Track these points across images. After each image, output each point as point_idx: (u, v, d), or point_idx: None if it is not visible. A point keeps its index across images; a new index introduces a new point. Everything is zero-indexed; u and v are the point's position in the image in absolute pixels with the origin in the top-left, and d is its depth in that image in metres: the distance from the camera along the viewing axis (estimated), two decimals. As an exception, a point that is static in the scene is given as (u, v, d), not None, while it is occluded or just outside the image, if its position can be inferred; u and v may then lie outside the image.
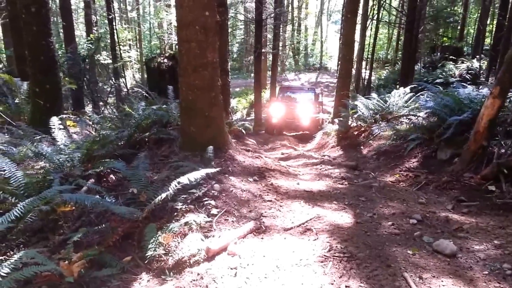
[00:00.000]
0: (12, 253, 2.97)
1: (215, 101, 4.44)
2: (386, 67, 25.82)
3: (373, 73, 22.58)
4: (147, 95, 7.45)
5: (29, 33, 5.71)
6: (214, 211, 3.41)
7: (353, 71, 17.66)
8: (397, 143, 6.09)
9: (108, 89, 13.64)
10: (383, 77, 21.56)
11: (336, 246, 2.83)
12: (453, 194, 4.02)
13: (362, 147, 7.14)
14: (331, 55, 37.38)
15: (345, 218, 3.39)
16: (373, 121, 7.80)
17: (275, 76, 17.47)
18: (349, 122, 8.50)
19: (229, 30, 34.39)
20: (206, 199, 3.52)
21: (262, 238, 3.08)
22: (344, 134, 8.50)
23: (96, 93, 11.87)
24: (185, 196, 3.48)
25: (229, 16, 29.32)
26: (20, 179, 3.42)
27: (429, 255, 2.70)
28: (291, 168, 5.08)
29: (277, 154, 7.82)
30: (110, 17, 14.98)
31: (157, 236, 2.81)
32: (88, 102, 12.40)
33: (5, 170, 3.47)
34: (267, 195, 3.80)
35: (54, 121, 4.29)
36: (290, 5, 35.73)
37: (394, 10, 22.77)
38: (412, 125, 5.92)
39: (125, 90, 13.57)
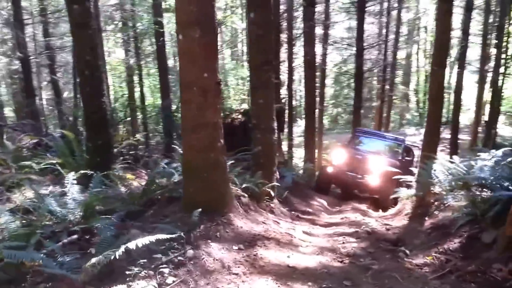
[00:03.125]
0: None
1: (215, 163, 4.57)
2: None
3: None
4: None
5: (83, 94, 6.64)
6: (170, 279, 3.45)
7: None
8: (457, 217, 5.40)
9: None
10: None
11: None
12: (468, 289, 3.43)
13: (427, 218, 6.48)
14: (469, 108, 34.71)
15: (305, 304, 3.14)
16: (449, 188, 7.03)
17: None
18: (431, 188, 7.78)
19: (346, 83, 34.55)
20: (168, 265, 3.58)
21: (199, 317, 3.02)
22: (421, 201, 7.79)
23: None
24: (144, 261, 3.58)
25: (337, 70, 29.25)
26: (11, 230, 3.91)
27: None
28: (298, 238, 4.84)
29: (335, 219, 7.49)
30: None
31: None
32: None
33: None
34: (238, 267, 3.71)
35: (69, 176, 4.83)
36: (416, 54, 34.77)
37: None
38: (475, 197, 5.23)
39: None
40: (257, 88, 7.02)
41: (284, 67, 20.71)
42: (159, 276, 3.47)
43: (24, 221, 4.29)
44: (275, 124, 7.11)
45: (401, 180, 9.76)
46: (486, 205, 4.46)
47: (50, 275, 3.57)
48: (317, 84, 26.44)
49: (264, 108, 6.97)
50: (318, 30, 22.78)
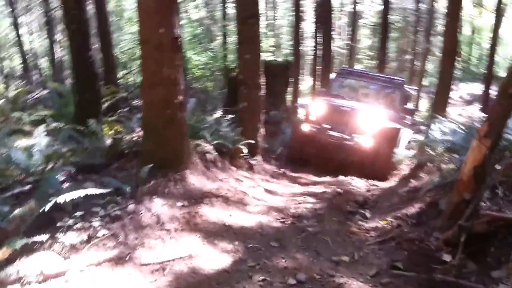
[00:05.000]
0: None
1: (171, 119, 4.57)
2: None
3: None
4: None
5: (71, 48, 6.73)
6: (101, 232, 3.56)
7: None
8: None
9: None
10: None
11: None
12: (397, 257, 3.36)
13: (413, 180, 6.29)
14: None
15: (219, 263, 3.21)
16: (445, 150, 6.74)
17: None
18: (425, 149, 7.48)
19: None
20: (103, 219, 3.69)
21: (113, 270, 3.12)
22: (420, 163, 7.53)
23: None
24: (82, 213, 3.70)
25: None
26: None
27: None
28: (252, 197, 4.81)
29: (325, 178, 7.31)
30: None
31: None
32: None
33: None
34: (172, 223, 3.78)
35: (39, 129, 4.99)
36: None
37: None
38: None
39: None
40: (243, 43, 6.89)
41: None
42: (92, 229, 3.59)
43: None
44: (262, 80, 6.97)
45: (403, 138, 8.36)
46: (450, 170, 4.25)
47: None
48: (343, 36, 25.54)
49: (251, 63, 6.85)
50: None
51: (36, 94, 9.77)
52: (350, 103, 8.05)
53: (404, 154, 8.12)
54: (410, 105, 9.10)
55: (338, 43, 27.03)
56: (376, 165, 7.40)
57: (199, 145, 5.41)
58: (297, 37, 14.96)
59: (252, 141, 6.45)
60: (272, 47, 26.96)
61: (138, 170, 4.52)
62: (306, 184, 6.45)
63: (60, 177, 4.28)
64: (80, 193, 3.52)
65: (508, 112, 3.43)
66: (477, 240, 3.11)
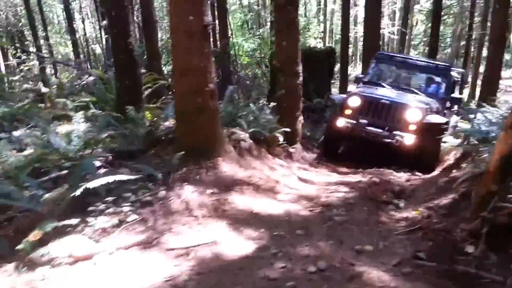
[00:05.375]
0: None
1: (203, 108, 4.65)
2: None
3: None
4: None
5: (111, 35, 6.93)
6: (131, 217, 3.72)
7: None
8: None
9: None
10: None
11: (185, 279, 2.85)
12: (422, 247, 3.32)
13: (455, 170, 6.10)
14: None
15: (243, 249, 3.29)
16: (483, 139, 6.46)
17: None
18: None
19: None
20: (134, 204, 3.85)
21: (141, 253, 3.27)
22: (464, 152, 7.27)
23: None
24: (113, 198, 3.87)
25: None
26: (12, 164, 4.42)
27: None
28: (283, 185, 4.83)
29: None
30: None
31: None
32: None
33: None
34: (201, 210, 3.88)
35: (78, 115, 5.23)
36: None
37: None
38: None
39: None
40: (280, 30, 6.89)
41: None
42: (123, 213, 3.75)
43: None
44: (300, 68, 6.93)
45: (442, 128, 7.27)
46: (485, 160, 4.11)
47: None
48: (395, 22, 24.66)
49: (288, 50, 6.84)
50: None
51: (83, 81, 10.20)
52: (389, 93, 7.36)
53: (450, 143, 7.84)
54: (457, 93, 8.38)
55: (391, 29, 26.29)
56: (421, 162, 6.84)
57: (234, 133, 5.49)
58: (346, 23, 14.66)
59: (289, 129, 6.45)
60: (322, 33, 26.60)
61: (171, 157, 4.67)
62: (345, 173, 6.39)
63: (97, 163, 4.52)
64: (110, 179, 3.68)
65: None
66: (500, 232, 3.07)
